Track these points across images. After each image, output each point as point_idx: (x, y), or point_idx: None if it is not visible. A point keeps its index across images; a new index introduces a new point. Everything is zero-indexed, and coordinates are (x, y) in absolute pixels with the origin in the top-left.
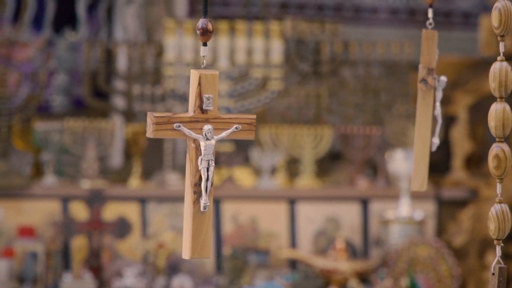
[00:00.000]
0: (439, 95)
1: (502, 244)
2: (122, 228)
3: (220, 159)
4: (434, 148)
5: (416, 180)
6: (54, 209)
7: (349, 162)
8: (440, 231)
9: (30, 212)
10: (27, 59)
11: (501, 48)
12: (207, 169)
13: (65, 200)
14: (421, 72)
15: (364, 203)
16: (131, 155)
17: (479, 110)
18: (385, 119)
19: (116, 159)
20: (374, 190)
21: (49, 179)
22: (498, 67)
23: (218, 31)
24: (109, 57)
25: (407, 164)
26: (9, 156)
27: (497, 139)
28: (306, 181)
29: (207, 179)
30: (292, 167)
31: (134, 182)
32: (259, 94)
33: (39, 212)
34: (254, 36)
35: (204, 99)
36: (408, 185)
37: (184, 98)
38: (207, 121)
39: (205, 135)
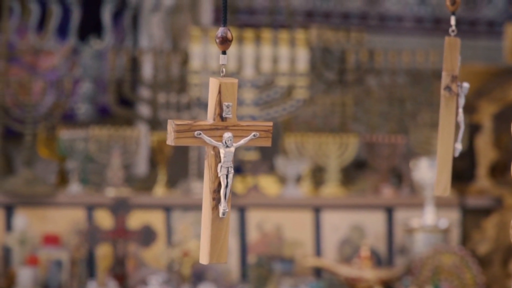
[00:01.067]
0: (462, 101)
1: None
2: (147, 236)
3: (245, 168)
4: (457, 154)
5: (439, 185)
6: (79, 217)
7: (374, 171)
8: (465, 239)
9: (55, 220)
10: (52, 67)
11: None
12: (227, 176)
13: (90, 208)
14: (445, 79)
15: (389, 211)
16: (156, 163)
17: (503, 119)
18: (410, 127)
19: (141, 167)
20: (399, 199)
21: (74, 187)
22: None
23: (243, 39)
24: (135, 65)
25: (432, 172)
26: (34, 164)
27: None
28: (331, 189)
29: (226, 186)
30: (317, 175)
31: (159, 190)
32: (285, 102)
33: (64, 220)
34: (280, 45)
35: (224, 107)
36: (433, 194)
37: None
38: (226, 128)
39: (225, 142)
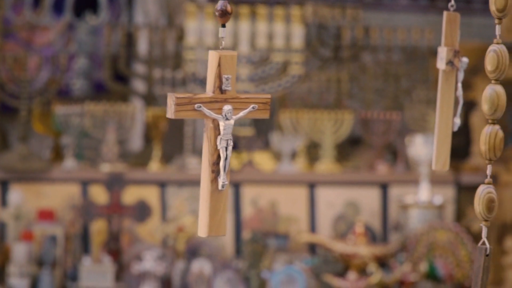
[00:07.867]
0: (461, 76)
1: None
2: (141, 211)
3: (240, 143)
4: (455, 128)
5: (438, 160)
6: (74, 192)
7: (369, 147)
8: (459, 216)
9: (50, 196)
10: (48, 42)
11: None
12: (226, 148)
13: (85, 184)
14: (447, 54)
15: (384, 187)
16: (151, 138)
17: None
18: (405, 104)
19: (136, 142)
20: (393, 175)
21: (69, 163)
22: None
23: (239, 15)
24: (130, 41)
25: (426, 149)
26: (29, 139)
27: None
28: (326, 165)
29: (226, 158)
30: (312, 151)
31: (154, 166)
32: (280, 78)
33: (58, 195)
34: (275, 21)
35: (224, 80)
36: (428, 170)
37: (204, 82)
38: (226, 101)
39: (225, 115)
